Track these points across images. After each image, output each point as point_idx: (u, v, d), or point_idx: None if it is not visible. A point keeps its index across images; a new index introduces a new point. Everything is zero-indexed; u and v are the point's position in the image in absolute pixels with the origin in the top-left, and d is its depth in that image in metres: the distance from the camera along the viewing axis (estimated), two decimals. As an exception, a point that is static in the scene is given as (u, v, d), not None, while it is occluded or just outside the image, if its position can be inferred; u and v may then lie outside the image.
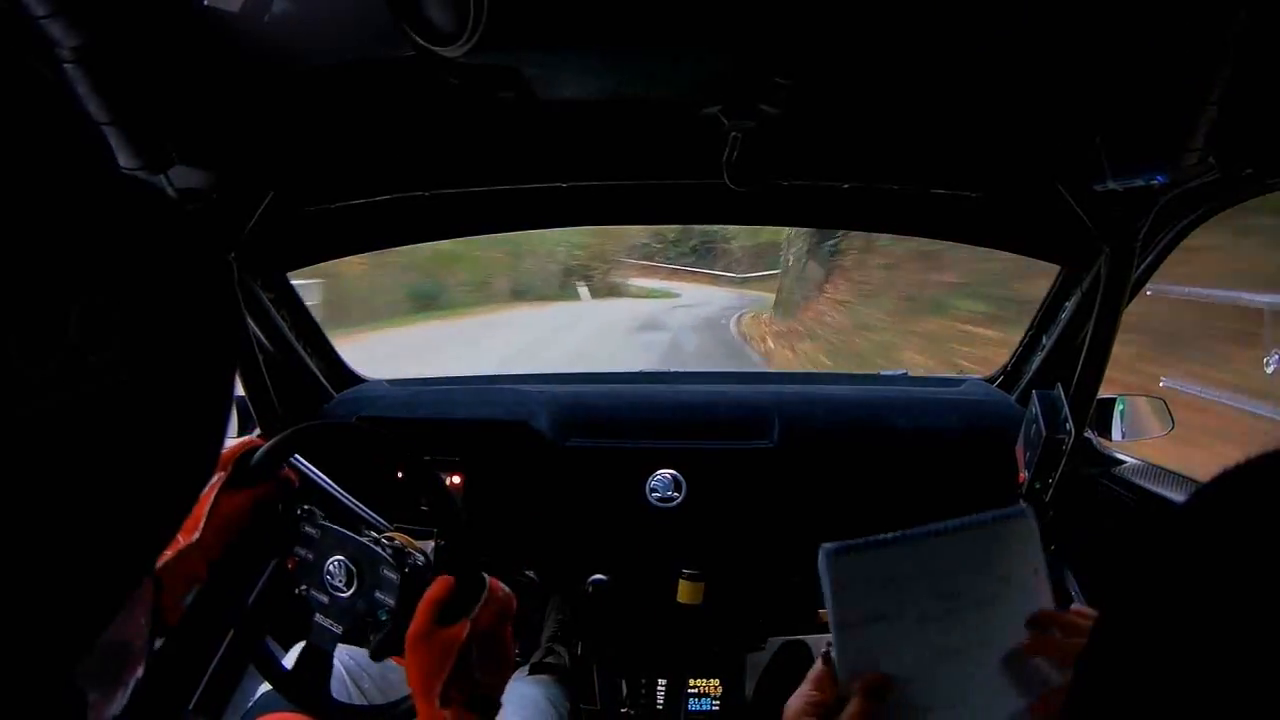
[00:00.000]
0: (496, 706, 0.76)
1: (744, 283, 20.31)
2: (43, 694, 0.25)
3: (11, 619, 0.22)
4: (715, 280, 21.57)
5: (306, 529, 0.89)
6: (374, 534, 0.91)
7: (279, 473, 0.89)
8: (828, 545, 0.50)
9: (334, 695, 0.99)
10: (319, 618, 0.88)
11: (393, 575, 0.86)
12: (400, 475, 1.32)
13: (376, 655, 0.84)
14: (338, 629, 0.87)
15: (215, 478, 0.85)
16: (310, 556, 0.89)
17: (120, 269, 0.24)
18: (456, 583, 0.75)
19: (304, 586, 0.89)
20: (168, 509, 0.28)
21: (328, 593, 0.88)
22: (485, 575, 0.78)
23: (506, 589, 0.80)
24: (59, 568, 0.23)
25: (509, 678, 0.79)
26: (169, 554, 0.80)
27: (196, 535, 0.81)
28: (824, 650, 0.53)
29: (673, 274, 22.73)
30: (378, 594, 0.86)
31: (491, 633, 0.76)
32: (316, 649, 0.89)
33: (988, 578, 0.52)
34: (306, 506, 0.91)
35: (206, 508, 0.83)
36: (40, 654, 0.24)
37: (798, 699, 0.53)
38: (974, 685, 0.51)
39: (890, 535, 0.50)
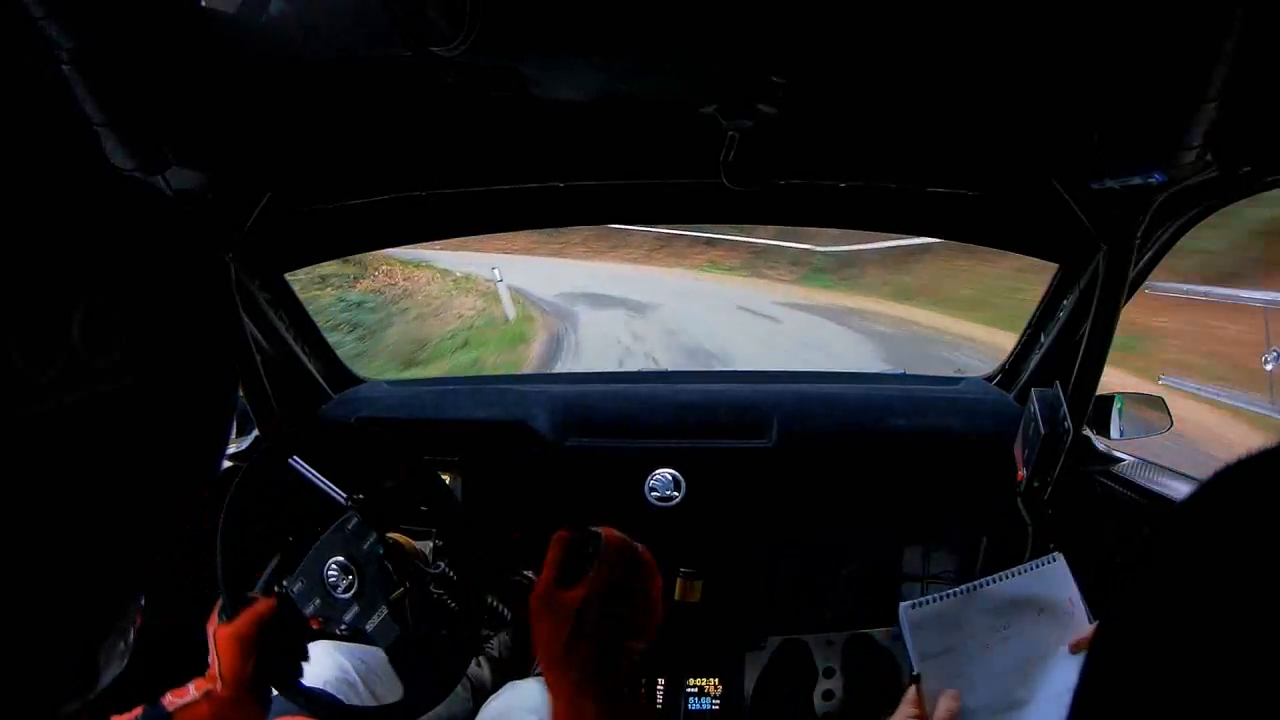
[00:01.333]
0: (635, 669, 0.69)
1: (848, 271, 8.26)
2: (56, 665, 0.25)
3: (13, 620, 0.22)
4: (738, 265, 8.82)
5: (296, 589, 0.89)
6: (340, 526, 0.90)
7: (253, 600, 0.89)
8: (905, 603, 0.64)
9: (345, 700, 0.98)
10: (372, 633, 0.88)
11: (371, 539, 0.87)
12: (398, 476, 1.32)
13: (397, 614, 0.85)
14: (395, 627, 0.88)
15: (211, 625, 0.86)
16: (319, 602, 0.88)
17: (119, 270, 0.24)
18: (572, 540, 0.69)
19: (342, 627, 0.89)
20: (171, 508, 0.28)
21: (350, 606, 0.88)
22: (597, 530, 0.70)
23: (626, 537, 0.71)
24: (61, 568, 0.23)
25: (650, 636, 0.71)
26: (205, 709, 0.80)
27: (219, 683, 0.81)
28: (914, 674, 0.66)
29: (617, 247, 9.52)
30: (377, 567, 0.87)
31: (623, 586, 0.68)
32: (400, 651, 0.89)
33: (1029, 612, 0.66)
34: (284, 581, 0.90)
35: (214, 654, 0.83)
36: (41, 653, 0.24)
37: (900, 717, 0.63)
38: (1028, 694, 0.64)
39: (951, 590, 0.66)
